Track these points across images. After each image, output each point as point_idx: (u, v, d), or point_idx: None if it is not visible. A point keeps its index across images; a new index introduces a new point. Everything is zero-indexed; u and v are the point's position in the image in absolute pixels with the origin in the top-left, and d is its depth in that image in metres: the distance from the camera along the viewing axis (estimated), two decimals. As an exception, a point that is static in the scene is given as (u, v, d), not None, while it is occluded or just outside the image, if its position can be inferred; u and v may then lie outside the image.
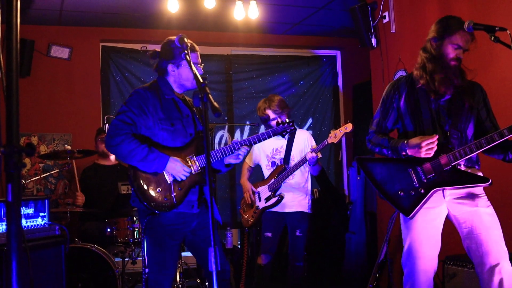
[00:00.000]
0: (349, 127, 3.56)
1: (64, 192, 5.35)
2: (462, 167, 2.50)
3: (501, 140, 2.33)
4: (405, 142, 2.49)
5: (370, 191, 5.21)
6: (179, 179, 2.64)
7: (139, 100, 2.64)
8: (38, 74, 5.52)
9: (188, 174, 2.64)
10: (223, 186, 6.24)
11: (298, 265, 3.86)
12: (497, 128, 2.51)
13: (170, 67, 2.72)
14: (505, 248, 2.40)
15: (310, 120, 6.65)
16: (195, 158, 2.70)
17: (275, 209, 3.87)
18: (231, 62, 6.40)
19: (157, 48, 2.78)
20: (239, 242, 5.98)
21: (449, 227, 2.58)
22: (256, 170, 4.25)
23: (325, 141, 3.61)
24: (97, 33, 5.83)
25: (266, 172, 4.01)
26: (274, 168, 3.91)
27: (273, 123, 3.79)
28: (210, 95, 2.05)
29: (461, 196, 2.50)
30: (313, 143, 3.92)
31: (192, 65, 2.33)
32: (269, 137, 2.85)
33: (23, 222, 3.17)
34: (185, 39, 2.50)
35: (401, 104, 2.61)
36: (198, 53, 2.74)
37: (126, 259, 4.24)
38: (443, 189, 2.49)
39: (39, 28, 5.54)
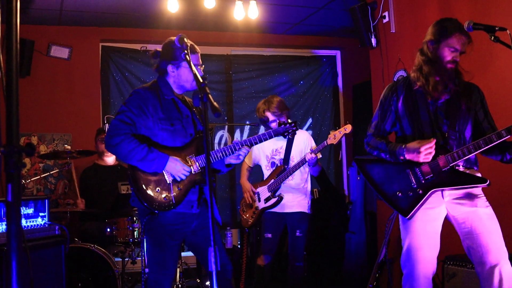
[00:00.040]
0: (348, 128, 3.56)
1: (64, 192, 5.34)
2: (461, 168, 2.50)
3: (499, 141, 2.34)
4: (403, 146, 2.49)
5: (370, 191, 5.21)
6: (179, 179, 2.63)
7: (138, 100, 2.64)
8: (38, 74, 5.52)
9: (187, 174, 2.64)
10: (223, 186, 6.24)
11: (298, 265, 3.86)
12: (495, 129, 2.51)
13: (170, 68, 2.72)
14: (505, 248, 2.40)
15: (310, 120, 6.64)
16: (195, 158, 2.70)
17: (275, 209, 3.87)
18: (231, 62, 6.40)
19: (157, 48, 2.78)
20: (239, 242, 5.98)
21: (449, 227, 2.58)
22: (256, 170, 4.25)
23: (325, 142, 3.61)
24: (97, 33, 5.82)
25: (266, 172, 4.00)
26: (274, 168, 3.91)
27: (273, 125, 3.79)
28: (210, 95, 2.05)
29: (460, 197, 2.50)
30: (313, 144, 3.91)
31: (192, 65, 2.32)
32: (271, 137, 2.83)
33: (23, 222, 3.17)
34: (185, 39, 2.49)
35: (399, 106, 2.61)
36: (199, 54, 2.73)
37: (126, 259, 4.24)
38: (442, 190, 2.49)
39: (39, 28, 5.54)
